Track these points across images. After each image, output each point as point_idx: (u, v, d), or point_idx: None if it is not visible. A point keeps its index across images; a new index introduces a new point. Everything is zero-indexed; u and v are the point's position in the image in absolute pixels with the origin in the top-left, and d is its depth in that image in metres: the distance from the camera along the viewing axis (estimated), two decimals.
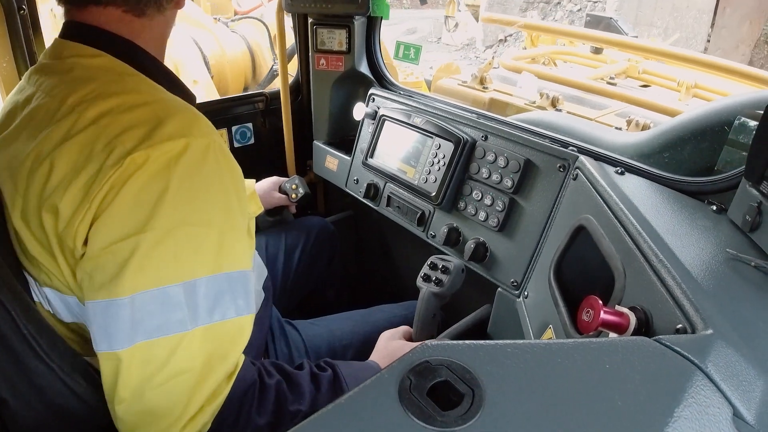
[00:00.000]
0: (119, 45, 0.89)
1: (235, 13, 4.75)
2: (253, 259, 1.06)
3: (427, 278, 1.27)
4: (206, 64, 3.81)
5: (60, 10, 0.93)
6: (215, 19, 4.16)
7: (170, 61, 3.48)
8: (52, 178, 0.78)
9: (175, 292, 0.76)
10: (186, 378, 0.77)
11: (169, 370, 0.76)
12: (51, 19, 3.27)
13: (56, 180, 0.78)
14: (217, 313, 0.80)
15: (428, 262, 1.30)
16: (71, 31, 0.89)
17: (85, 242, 0.77)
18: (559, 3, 11.43)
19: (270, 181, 1.77)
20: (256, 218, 1.18)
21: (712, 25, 9.23)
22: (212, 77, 3.80)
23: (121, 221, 0.75)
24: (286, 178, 1.78)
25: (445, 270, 1.26)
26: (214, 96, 3.65)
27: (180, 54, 3.60)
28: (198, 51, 3.79)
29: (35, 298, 0.88)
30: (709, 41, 9.26)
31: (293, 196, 1.73)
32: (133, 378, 0.75)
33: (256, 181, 1.77)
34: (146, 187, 0.75)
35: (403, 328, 1.29)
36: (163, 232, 0.75)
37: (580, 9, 11.19)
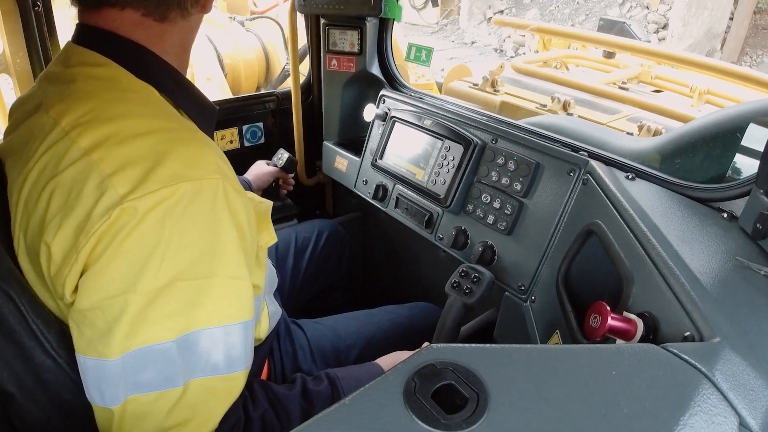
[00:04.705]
0: (130, 52, 0.81)
1: (252, 13, 4.78)
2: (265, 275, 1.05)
3: (457, 286, 1.25)
4: (220, 62, 3.84)
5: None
6: (230, 17, 4.18)
7: None
8: (48, 210, 0.73)
9: (168, 347, 0.72)
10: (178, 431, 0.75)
11: (161, 424, 0.74)
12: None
13: (50, 215, 0.73)
14: (210, 368, 0.76)
15: (459, 270, 1.28)
16: (82, 35, 0.82)
17: (75, 289, 0.72)
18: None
19: (258, 164, 1.83)
20: None
21: None
22: (225, 76, 3.82)
23: (111, 277, 0.70)
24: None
25: (476, 280, 1.24)
26: (227, 95, 3.68)
27: (194, 51, 3.64)
28: (213, 49, 3.80)
29: None
30: None
31: (279, 162, 1.81)
32: (125, 429, 0.73)
33: None
34: (137, 243, 0.69)
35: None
36: (155, 291, 0.70)
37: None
